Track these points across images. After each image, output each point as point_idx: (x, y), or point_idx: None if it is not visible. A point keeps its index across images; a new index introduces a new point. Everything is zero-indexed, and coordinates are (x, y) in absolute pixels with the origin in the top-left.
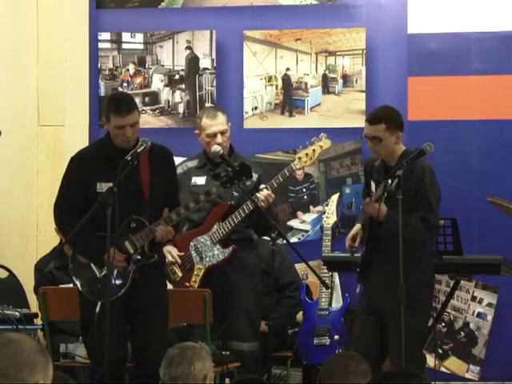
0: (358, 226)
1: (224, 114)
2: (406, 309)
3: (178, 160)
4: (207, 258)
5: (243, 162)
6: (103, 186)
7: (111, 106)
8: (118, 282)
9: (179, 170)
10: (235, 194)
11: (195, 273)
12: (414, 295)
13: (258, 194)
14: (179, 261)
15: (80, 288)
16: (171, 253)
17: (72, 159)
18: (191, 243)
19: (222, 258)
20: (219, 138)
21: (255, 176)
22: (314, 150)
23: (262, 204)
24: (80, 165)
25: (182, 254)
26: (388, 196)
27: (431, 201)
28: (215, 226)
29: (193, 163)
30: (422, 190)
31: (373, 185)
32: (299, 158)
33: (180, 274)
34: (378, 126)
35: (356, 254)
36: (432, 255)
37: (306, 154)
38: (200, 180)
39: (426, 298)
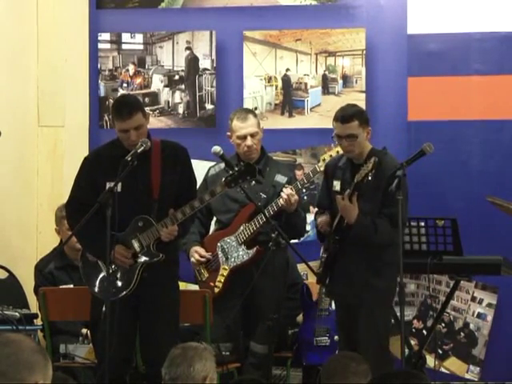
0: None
1: (255, 117)
2: (377, 307)
3: None
4: (232, 259)
5: (249, 162)
6: (111, 185)
7: (114, 110)
8: (124, 280)
9: (212, 172)
10: (263, 195)
11: (220, 273)
12: (385, 295)
13: (281, 193)
14: (208, 256)
15: (89, 287)
16: (198, 252)
17: (84, 159)
18: (218, 244)
19: (246, 259)
20: (249, 141)
21: (284, 179)
22: (338, 152)
23: (283, 203)
24: (91, 165)
25: (210, 253)
26: (359, 190)
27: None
28: (241, 227)
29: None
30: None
31: (336, 184)
32: (323, 160)
33: (206, 275)
34: (352, 123)
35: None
36: (398, 254)
37: (330, 156)
38: None
39: (393, 297)
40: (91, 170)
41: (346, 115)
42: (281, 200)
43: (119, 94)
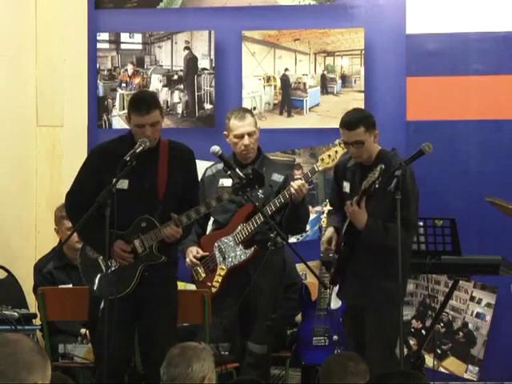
0: (331, 230)
1: (253, 117)
2: (385, 308)
3: None
4: (229, 259)
5: (257, 170)
6: (118, 182)
7: (132, 104)
8: (124, 279)
9: (209, 172)
10: (260, 195)
11: (218, 273)
12: (393, 296)
13: (292, 183)
14: (202, 253)
15: (87, 284)
16: (192, 253)
17: (91, 152)
18: (215, 244)
19: (244, 259)
20: (246, 140)
21: (281, 178)
22: (336, 152)
23: (296, 194)
24: (97, 159)
25: (207, 253)
26: (368, 194)
27: (410, 200)
28: (239, 227)
29: (222, 165)
30: (402, 189)
31: (346, 186)
32: (322, 160)
33: (203, 275)
34: (358, 130)
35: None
36: (409, 255)
37: (329, 156)
38: (227, 182)
39: (402, 297)
40: (97, 164)
41: (352, 122)
42: (292, 189)
43: (137, 90)
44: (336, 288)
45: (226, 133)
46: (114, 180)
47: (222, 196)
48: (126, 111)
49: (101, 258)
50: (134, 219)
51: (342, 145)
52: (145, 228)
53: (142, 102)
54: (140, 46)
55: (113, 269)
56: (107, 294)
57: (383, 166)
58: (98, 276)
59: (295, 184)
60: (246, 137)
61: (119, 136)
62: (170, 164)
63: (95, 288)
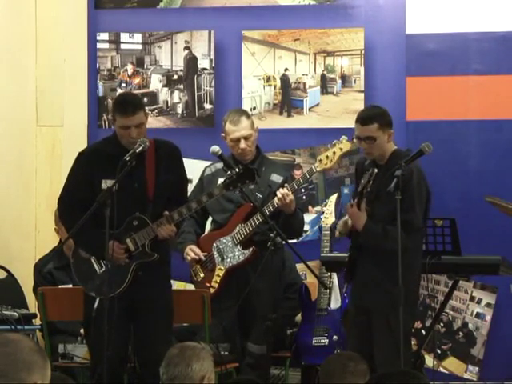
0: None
1: (248, 119)
2: (392, 311)
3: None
4: (228, 259)
5: (247, 166)
6: (108, 184)
7: (117, 106)
8: (117, 278)
9: (207, 172)
10: (258, 195)
11: (216, 273)
12: (399, 298)
13: (277, 192)
14: (201, 256)
15: (80, 284)
16: (194, 250)
17: (79, 154)
18: (214, 244)
19: (242, 259)
20: (242, 144)
21: (280, 179)
22: (334, 153)
23: (278, 202)
24: (86, 160)
25: (206, 254)
26: (369, 193)
27: (415, 202)
28: (237, 227)
29: (221, 165)
30: (407, 191)
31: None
32: (320, 161)
33: (202, 275)
34: (371, 126)
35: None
36: (419, 256)
37: (327, 157)
38: None
39: (412, 300)
40: (87, 165)
41: (366, 117)
42: (275, 199)
43: (120, 92)
44: (337, 288)
45: (223, 135)
46: (115, 180)
47: (212, 192)
48: None
49: (93, 257)
50: (125, 219)
51: (341, 145)
52: (137, 226)
53: (127, 104)
54: (140, 46)
55: (104, 268)
56: (103, 294)
57: (376, 170)
58: (91, 276)
59: (278, 193)
60: (242, 141)
61: (106, 137)
62: (157, 163)
63: (88, 288)
